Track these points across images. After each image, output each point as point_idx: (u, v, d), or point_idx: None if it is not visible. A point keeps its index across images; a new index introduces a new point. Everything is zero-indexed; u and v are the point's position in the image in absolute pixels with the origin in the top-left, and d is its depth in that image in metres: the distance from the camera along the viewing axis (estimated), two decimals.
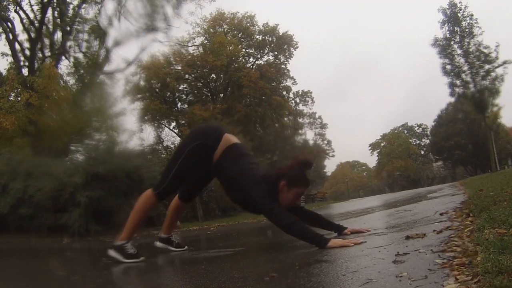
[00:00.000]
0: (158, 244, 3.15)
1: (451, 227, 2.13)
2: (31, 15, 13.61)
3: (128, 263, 2.57)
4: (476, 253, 1.37)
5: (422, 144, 54.02)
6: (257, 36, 28.61)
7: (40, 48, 14.17)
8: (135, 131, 14.27)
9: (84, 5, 14.52)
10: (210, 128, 2.84)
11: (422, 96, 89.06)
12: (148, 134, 23.21)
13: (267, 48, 28.67)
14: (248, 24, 28.51)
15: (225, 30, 28.03)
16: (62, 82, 13.44)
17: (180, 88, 26.31)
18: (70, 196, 6.18)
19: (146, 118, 23.80)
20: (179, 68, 24.82)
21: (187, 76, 25.81)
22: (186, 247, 3.12)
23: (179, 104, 27.13)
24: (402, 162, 48.85)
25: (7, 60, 13.94)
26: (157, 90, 24.94)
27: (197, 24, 24.17)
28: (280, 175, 2.52)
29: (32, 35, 13.65)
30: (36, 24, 13.68)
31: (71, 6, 14.43)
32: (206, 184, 3.13)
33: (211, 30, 26.45)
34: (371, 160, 59.06)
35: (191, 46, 23.18)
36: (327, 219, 2.80)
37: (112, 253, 2.68)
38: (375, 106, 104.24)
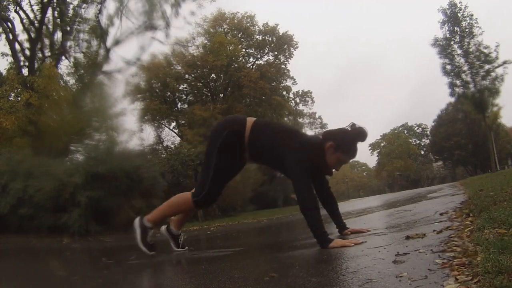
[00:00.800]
0: (164, 231, 3.00)
1: (451, 227, 2.13)
2: (31, 15, 13.64)
3: (139, 247, 2.71)
4: (476, 253, 1.37)
5: (422, 144, 54.04)
6: (257, 36, 28.63)
7: (40, 48, 14.18)
8: (135, 131, 14.27)
9: (84, 5, 14.54)
10: (230, 118, 2.81)
11: (423, 96, 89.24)
12: (148, 134, 23.27)
13: (267, 48, 28.69)
14: (248, 24, 28.53)
15: (225, 30, 28.05)
16: (62, 82, 13.45)
17: (180, 88, 26.34)
18: (70, 196, 6.17)
19: (146, 118, 23.84)
20: (179, 68, 24.84)
21: (187, 76, 25.83)
22: (186, 247, 3.10)
23: (179, 104, 27.17)
24: (402, 162, 48.88)
25: (7, 60, 13.98)
26: (157, 90, 24.96)
27: (198, 24, 24.21)
28: (328, 136, 2.44)
29: (32, 35, 13.65)
30: (36, 24, 13.68)
31: (71, 6, 14.46)
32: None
33: (211, 30, 26.47)
34: (371, 160, 59.15)
35: (192, 46, 23.20)
36: (339, 213, 2.79)
37: (136, 224, 2.75)
38: (375, 106, 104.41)
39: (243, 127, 2.58)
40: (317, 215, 2.29)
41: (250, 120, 2.64)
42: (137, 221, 2.76)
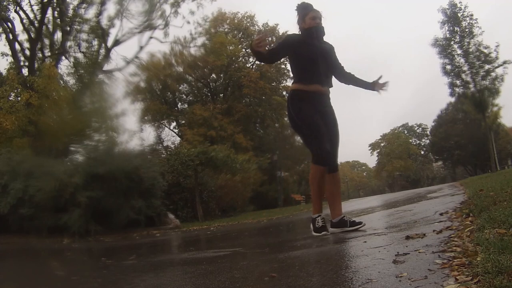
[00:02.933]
0: (332, 229, 2.99)
1: (451, 227, 2.13)
2: (31, 15, 13.65)
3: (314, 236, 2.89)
4: (476, 253, 1.37)
5: (422, 144, 54.03)
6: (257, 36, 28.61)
7: (40, 48, 14.18)
8: (135, 132, 14.25)
9: (83, 5, 14.55)
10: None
11: (423, 96, 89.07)
12: (148, 134, 23.27)
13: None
14: (248, 24, 28.54)
15: (226, 30, 28.05)
16: (62, 82, 13.44)
17: (180, 88, 26.34)
18: (70, 196, 6.18)
19: (146, 118, 23.84)
20: (180, 69, 24.84)
21: (187, 76, 25.83)
22: (362, 222, 3.00)
23: (179, 104, 27.17)
24: (402, 162, 48.85)
25: (7, 60, 13.98)
26: (157, 91, 24.97)
27: (199, 24, 24.22)
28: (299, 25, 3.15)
29: (32, 35, 13.66)
30: (36, 24, 13.69)
31: (71, 6, 14.47)
32: (331, 135, 3.09)
33: (212, 30, 26.47)
34: (371, 160, 59.12)
35: (192, 47, 23.21)
36: (360, 79, 3.21)
37: (311, 223, 3.04)
38: (375, 106, 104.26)
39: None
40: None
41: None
42: (311, 220, 3.07)
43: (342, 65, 3.24)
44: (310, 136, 2.99)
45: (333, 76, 3.19)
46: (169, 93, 25.77)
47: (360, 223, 2.94)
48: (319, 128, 2.94)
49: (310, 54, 3.01)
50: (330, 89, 3.16)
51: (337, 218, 2.98)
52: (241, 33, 28.32)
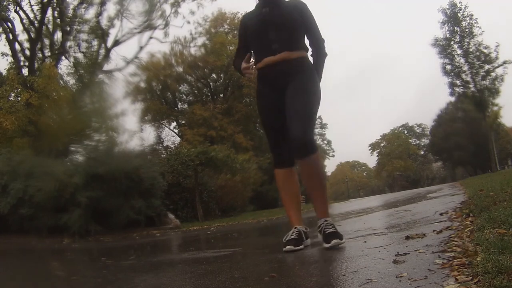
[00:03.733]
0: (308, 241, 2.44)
1: (451, 227, 2.13)
2: (31, 15, 13.65)
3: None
4: (476, 253, 1.37)
5: (422, 144, 54.04)
6: None
7: (40, 48, 14.18)
8: (135, 132, 14.28)
9: (83, 5, 14.56)
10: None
11: (424, 97, 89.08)
12: (148, 134, 23.29)
13: None
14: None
15: (226, 30, 28.04)
16: (62, 82, 13.45)
17: (180, 88, 26.34)
18: (71, 196, 6.18)
19: (146, 118, 23.85)
20: (180, 69, 24.85)
21: (187, 76, 25.83)
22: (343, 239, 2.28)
23: (179, 104, 27.17)
24: (402, 162, 48.88)
25: (7, 60, 13.97)
26: (157, 91, 24.97)
27: (199, 24, 24.24)
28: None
29: (32, 35, 13.65)
30: (36, 24, 13.69)
31: (71, 6, 14.48)
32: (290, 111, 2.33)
33: (212, 30, 26.47)
34: (371, 160, 59.12)
35: (193, 47, 23.22)
36: (318, 62, 2.48)
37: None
38: (375, 107, 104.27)
39: None
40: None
41: None
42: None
43: (317, 30, 2.47)
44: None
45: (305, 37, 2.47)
46: (169, 93, 25.76)
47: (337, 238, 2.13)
48: (268, 125, 2.48)
49: (254, 26, 2.44)
50: (297, 51, 2.38)
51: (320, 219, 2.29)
52: None
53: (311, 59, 2.50)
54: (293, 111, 2.25)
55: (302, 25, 2.40)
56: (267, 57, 2.35)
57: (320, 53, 2.48)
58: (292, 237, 2.26)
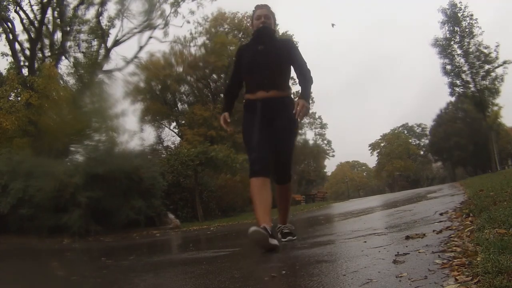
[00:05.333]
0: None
1: (451, 227, 2.13)
2: (31, 15, 13.65)
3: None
4: (476, 253, 1.37)
5: (422, 144, 54.02)
6: None
7: (40, 48, 14.18)
8: (135, 132, 14.27)
9: (83, 5, 14.56)
10: None
11: (424, 97, 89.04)
12: (148, 134, 23.28)
13: None
14: (248, 24, 28.52)
15: (226, 30, 28.04)
16: (62, 82, 13.44)
17: (180, 88, 26.33)
18: (71, 196, 6.19)
19: (146, 118, 23.84)
20: (180, 70, 24.83)
21: (188, 77, 25.82)
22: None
23: (179, 104, 27.16)
24: (402, 162, 48.84)
25: (7, 60, 13.98)
26: (157, 91, 24.96)
27: (199, 23, 24.22)
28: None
29: (32, 35, 13.66)
30: (36, 24, 13.69)
31: (71, 6, 14.48)
32: (277, 142, 2.79)
33: (212, 30, 26.46)
34: (371, 160, 59.05)
35: (194, 47, 23.22)
36: (306, 88, 2.73)
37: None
38: (375, 107, 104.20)
39: None
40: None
41: None
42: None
43: (303, 62, 2.80)
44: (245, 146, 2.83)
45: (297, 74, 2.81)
46: (169, 93, 25.75)
47: (291, 236, 2.93)
48: (250, 138, 2.72)
49: (248, 60, 2.77)
50: (283, 91, 2.79)
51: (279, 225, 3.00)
52: (241, 33, 28.29)
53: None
54: (281, 152, 2.80)
55: (290, 62, 2.80)
56: (260, 91, 2.74)
57: (308, 81, 2.78)
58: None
